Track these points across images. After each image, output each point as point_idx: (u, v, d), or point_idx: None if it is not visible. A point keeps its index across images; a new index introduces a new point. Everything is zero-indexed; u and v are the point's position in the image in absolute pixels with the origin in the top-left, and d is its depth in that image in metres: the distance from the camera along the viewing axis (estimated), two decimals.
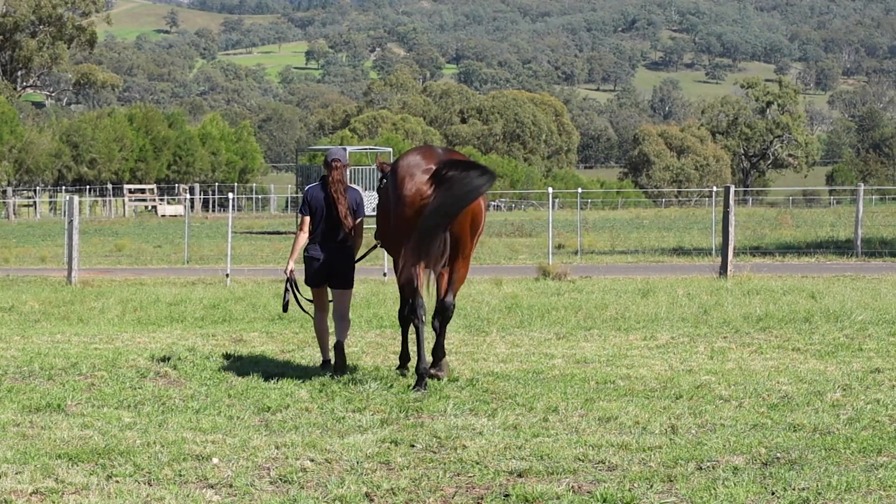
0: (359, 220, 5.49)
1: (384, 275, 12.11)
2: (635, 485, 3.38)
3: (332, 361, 5.45)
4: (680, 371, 5.46)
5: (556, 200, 41.09)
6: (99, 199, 41.35)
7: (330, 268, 5.43)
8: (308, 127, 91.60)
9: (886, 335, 6.64)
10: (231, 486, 3.42)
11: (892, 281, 10.61)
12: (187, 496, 3.29)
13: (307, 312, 5.66)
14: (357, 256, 5.61)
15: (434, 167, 5.00)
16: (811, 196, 57.01)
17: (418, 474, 3.54)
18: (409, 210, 5.01)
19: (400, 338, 5.70)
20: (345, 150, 6.27)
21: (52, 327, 7.72)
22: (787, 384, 5.03)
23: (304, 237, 5.47)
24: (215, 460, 3.71)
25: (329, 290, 5.55)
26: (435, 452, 3.84)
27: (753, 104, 75.87)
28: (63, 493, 3.33)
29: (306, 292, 5.73)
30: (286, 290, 5.55)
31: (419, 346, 5.03)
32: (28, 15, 54.40)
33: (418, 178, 5.01)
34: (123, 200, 40.66)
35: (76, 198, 12.85)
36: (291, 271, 5.50)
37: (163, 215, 38.14)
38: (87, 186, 42.51)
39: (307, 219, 5.45)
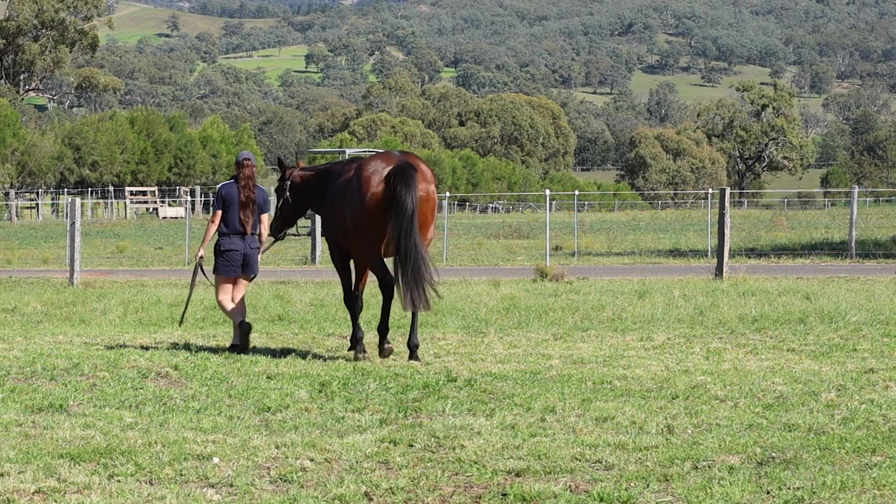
0: (265, 214, 6.24)
1: None
2: (632, 484, 3.41)
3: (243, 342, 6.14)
4: (676, 371, 5.49)
5: (554, 202, 41.18)
6: (100, 201, 41.40)
7: (244, 257, 6.17)
8: (308, 130, 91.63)
9: (880, 336, 6.67)
10: (231, 485, 3.44)
11: (886, 282, 10.65)
12: (188, 495, 3.31)
13: (187, 302, 6.50)
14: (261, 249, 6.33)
15: (392, 167, 5.66)
16: (806, 198, 57.18)
17: (417, 474, 3.56)
18: (372, 209, 5.65)
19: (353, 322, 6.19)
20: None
21: (54, 328, 7.75)
22: (783, 384, 5.06)
23: (214, 228, 6.20)
24: (216, 460, 3.73)
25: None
26: (433, 452, 3.86)
27: (749, 107, 76.12)
28: (65, 493, 3.35)
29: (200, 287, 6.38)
30: (195, 273, 6.29)
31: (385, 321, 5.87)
32: (31, 19, 54.46)
33: (380, 181, 5.65)
34: (125, 203, 40.72)
35: (78, 200, 12.90)
36: (201, 257, 6.29)
37: (164, 217, 38.15)
38: (89, 189, 42.54)
39: (219, 213, 6.16)
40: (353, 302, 6.11)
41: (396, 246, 5.57)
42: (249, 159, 6.23)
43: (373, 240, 5.75)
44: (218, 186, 6.27)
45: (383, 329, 5.94)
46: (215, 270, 6.21)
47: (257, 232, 6.23)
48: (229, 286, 6.22)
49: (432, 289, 5.61)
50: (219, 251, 6.17)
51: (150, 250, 19.81)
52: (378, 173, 5.67)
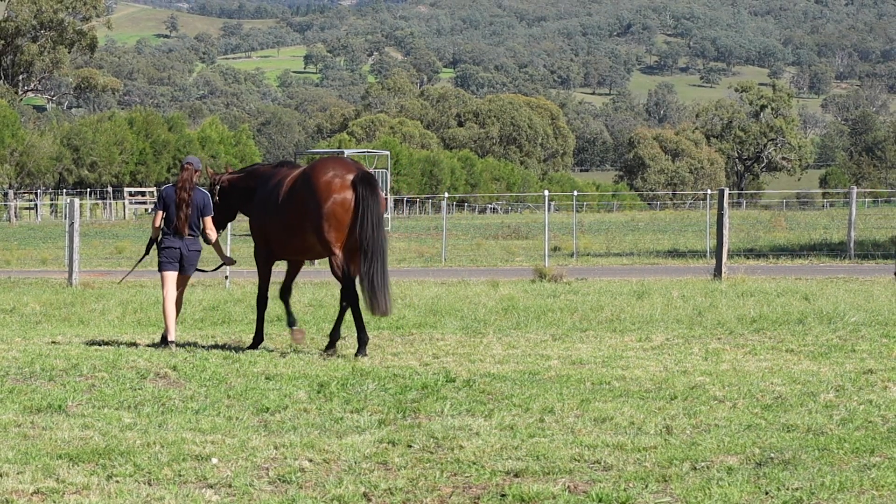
0: (207, 217, 6.54)
1: None
2: (630, 485, 3.42)
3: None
4: (675, 372, 5.50)
5: (552, 203, 41.24)
6: (99, 201, 41.43)
7: (181, 255, 6.50)
8: (306, 130, 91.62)
9: (879, 336, 6.68)
10: (230, 485, 3.45)
11: (885, 283, 10.64)
12: (187, 496, 3.32)
13: (136, 263, 6.87)
14: (216, 265, 6.81)
15: (356, 175, 6.01)
16: (804, 199, 57.38)
17: (416, 474, 3.57)
18: (339, 213, 5.94)
19: (353, 321, 6.33)
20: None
21: (52, 329, 7.75)
22: (781, 385, 5.07)
23: (157, 228, 6.58)
24: (214, 460, 3.74)
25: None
26: (432, 453, 3.87)
27: (747, 108, 76.30)
28: (64, 493, 3.36)
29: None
30: (149, 246, 6.79)
31: (360, 320, 6.15)
32: (29, 19, 54.44)
33: (344, 186, 5.97)
34: (124, 203, 40.74)
35: (77, 200, 12.91)
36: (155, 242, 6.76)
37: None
38: (88, 189, 42.55)
39: (160, 213, 6.54)
40: (265, 303, 6.49)
41: (368, 251, 5.94)
42: (191, 163, 6.54)
43: (334, 240, 6.03)
44: (163, 188, 6.71)
45: (364, 337, 6.16)
46: (158, 266, 6.60)
47: (198, 234, 6.56)
48: (169, 280, 6.56)
49: (388, 299, 5.97)
50: (160, 248, 6.56)
51: None
52: (340, 178, 5.97)
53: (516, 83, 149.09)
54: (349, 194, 5.92)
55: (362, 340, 6.12)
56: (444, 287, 10.68)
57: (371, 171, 6.23)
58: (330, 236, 5.99)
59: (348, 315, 6.34)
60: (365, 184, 5.93)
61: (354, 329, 6.88)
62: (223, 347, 6.53)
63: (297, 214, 6.08)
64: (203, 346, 6.54)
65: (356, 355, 6.08)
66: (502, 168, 62.70)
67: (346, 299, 6.13)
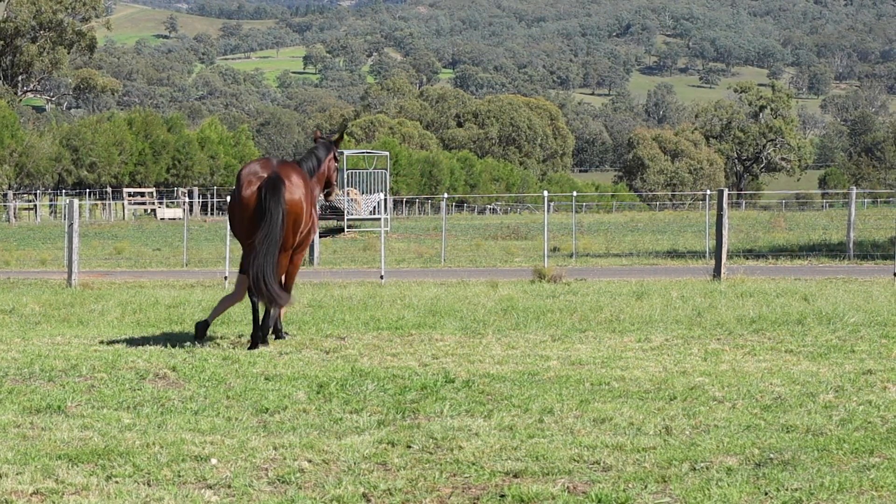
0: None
1: (381, 277, 12.15)
2: (630, 485, 3.42)
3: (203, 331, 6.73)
4: (674, 373, 5.50)
5: (552, 203, 41.28)
6: (99, 202, 41.45)
7: None
8: (306, 131, 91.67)
9: (878, 337, 6.68)
10: (229, 486, 3.45)
11: (884, 283, 10.65)
12: (186, 497, 3.32)
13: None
14: None
15: (267, 175, 6.34)
16: (804, 199, 57.45)
17: (415, 475, 3.57)
18: (246, 210, 6.37)
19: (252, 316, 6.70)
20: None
21: (52, 329, 7.75)
22: (780, 386, 5.07)
23: None
24: (214, 461, 3.74)
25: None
26: (431, 453, 3.87)
27: (747, 108, 76.41)
28: (63, 494, 3.36)
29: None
30: None
31: (256, 317, 6.54)
32: (29, 20, 54.51)
33: (254, 185, 6.37)
34: (123, 204, 40.77)
35: (76, 201, 12.88)
36: None
37: (162, 218, 38.22)
38: (87, 190, 42.57)
39: None
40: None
41: (260, 247, 6.29)
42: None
43: (244, 235, 6.51)
44: None
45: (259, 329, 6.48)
46: None
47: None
48: (239, 284, 6.96)
49: (272, 289, 6.25)
50: None
51: (148, 251, 19.84)
52: (250, 181, 6.40)
53: (515, 84, 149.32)
54: (253, 194, 6.33)
55: (257, 336, 6.46)
56: (443, 288, 10.68)
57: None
58: (237, 232, 6.51)
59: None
60: (269, 186, 6.27)
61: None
62: (223, 348, 6.52)
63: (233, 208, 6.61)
64: (202, 347, 6.54)
65: (249, 348, 6.37)
66: (501, 168, 62.76)
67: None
